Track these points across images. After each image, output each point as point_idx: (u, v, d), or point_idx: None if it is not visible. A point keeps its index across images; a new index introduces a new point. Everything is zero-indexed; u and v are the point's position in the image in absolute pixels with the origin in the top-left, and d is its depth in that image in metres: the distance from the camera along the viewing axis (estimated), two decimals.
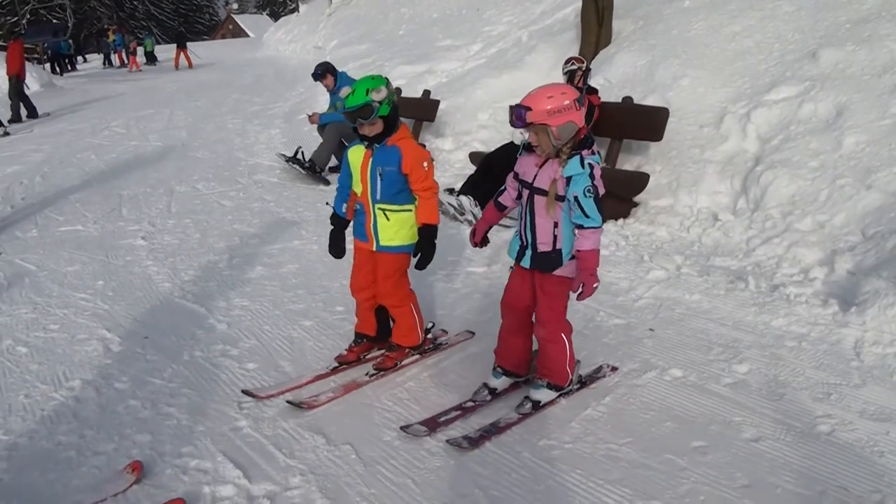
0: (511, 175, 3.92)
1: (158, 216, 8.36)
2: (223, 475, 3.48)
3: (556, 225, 3.69)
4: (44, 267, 6.65)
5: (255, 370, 4.57)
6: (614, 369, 4.39)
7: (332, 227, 4.48)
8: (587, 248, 3.59)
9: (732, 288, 5.58)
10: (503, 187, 4.05)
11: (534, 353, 4.19)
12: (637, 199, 7.61)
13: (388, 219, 4.21)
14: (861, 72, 7.41)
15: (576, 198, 3.54)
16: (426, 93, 11.60)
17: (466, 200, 7.66)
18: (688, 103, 8.43)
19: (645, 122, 7.99)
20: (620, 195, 7.45)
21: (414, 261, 4.34)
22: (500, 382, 4.18)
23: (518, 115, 3.53)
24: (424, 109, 11.09)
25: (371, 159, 4.14)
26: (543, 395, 3.98)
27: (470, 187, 7.88)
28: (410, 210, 4.24)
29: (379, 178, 4.12)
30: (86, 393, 4.32)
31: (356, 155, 4.23)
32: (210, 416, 4.02)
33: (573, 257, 3.73)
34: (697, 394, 4.11)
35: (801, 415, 3.86)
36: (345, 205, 4.38)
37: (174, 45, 34.50)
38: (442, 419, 3.89)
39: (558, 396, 4.02)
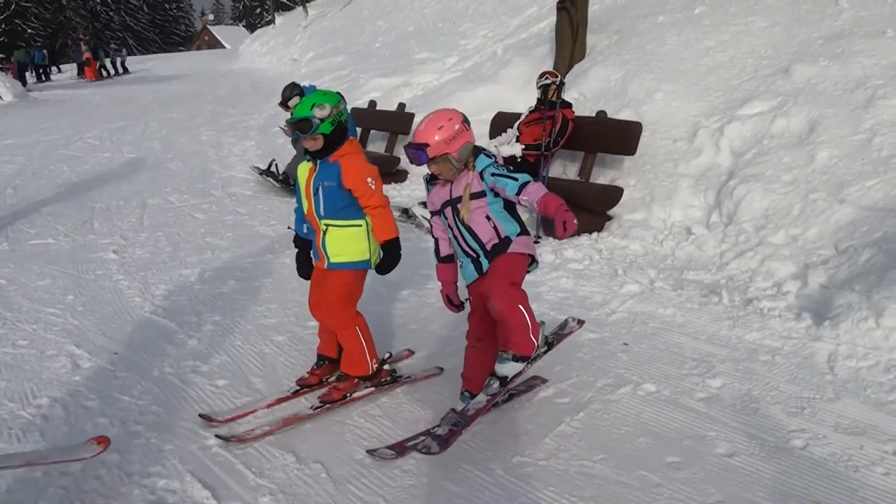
0: (434, 220, 3.98)
1: (130, 229, 8.27)
2: (191, 496, 3.42)
3: (488, 218, 3.75)
4: (14, 281, 6.55)
5: (225, 387, 4.51)
6: (580, 323, 4.39)
7: (297, 249, 4.43)
8: (541, 195, 3.56)
9: (706, 302, 5.59)
10: (435, 242, 4.07)
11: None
12: (611, 212, 7.63)
13: (335, 234, 4.11)
14: (834, 87, 7.48)
15: (493, 175, 3.67)
16: (401, 106, 11.60)
17: None
18: (661, 117, 8.48)
19: (619, 136, 8.01)
20: (594, 209, 7.47)
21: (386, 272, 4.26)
22: None
23: (417, 154, 3.65)
24: (399, 122, 11.08)
25: (314, 175, 4.09)
26: (510, 368, 3.84)
27: None
28: (360, 225, 4.13)
29: (321, 194, 4.06)
30: (54, 411, 4.24)
31: (303, 171, 4.18)
32: (179, 435, 3.95)
33: (519, 235, 3.81)
34: (671, 409, 4.10)
35: (774, 429, 3.86)
36: (305, 225, 4.31)
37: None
38: (409, 444, 3.83)
39: (527, 365, 3.93)
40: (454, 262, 4.05)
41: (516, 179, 3.62)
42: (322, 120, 3.91)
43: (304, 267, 4.43)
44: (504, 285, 3.74)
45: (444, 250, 4.03)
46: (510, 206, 3.83)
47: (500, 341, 3.90)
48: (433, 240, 4.10)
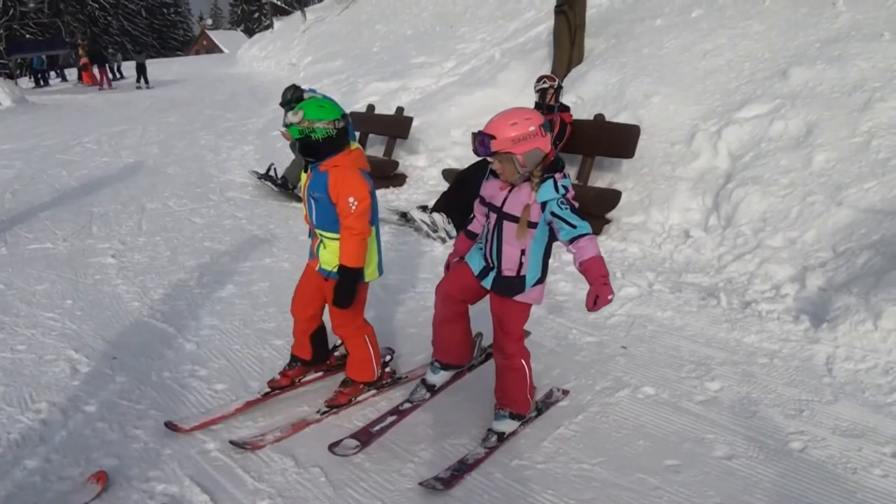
0: (478, 201, 3.82)
1: (129, 234, 8.26)
2: (190, 500, 3.42)
3: (523, 252, 3.59)
4: (12, 285, 6.53)
5: (223, 391, 4.50)
6: (565, 393, 4.34)
7: None
8: (591, 256, 3.36)
9: (704, 305, 5.60)
10: (472, 215, 3.96)
11: (476, 345, 4.16)
12: (609, 215, 7.64)
13: (329, 247, 4.01)
14: (831, 90, 7.49)
15: (553, 214, 3.42)
16: (399, 110, 11.60)
17: (440, 218, 7.62)
18: (659, 121, 8.49)
19: (617, 140, 8.02)
20: (593, 212, 7.46)
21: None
22: (440, 378, 4.13)
23: (482, 143, 3.40)
24: (397, 126, 11.07)
25: (308, 183, 4.01)
26: (507, 425, 3.87)
27: (443, 204, 7.85)
28: None
29: (314, 204, 3.98)
30: (52, 416, 4.22)
31: (303, 177, 4.12)
32: (178, 439, 3.94)
33: (535, 284, 3.68)
34: (670, 412, 4.11)
35: (773, 432, 3.87)
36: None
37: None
38: (376, 428, 3.82)
39: (521, 425, 3.94)
40: (473, 241, 3.98)
41: (574, 227, 3.38)
42: (291, 123, 3.85)
43: None
44: (516, 343, 3.81)
45: (474, 227, 3.95)
46: (548, 251, 3.67)
47: (497, 395, 3.95)
48: (469, 220, 4.03)
